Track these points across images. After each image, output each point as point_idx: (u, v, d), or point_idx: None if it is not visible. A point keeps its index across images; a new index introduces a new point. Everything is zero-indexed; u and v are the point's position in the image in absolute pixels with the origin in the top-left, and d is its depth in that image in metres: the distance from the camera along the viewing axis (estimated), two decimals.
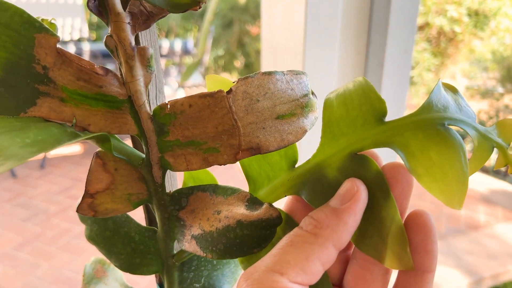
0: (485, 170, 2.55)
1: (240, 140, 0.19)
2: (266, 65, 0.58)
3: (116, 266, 0.24)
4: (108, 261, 0.30)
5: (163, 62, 2.70)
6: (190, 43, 2.77)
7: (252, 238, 0.19)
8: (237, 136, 0.19)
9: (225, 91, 0.18)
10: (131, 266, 0.24)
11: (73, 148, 2.74)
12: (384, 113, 0.19)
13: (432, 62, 3.03)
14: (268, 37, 0.56)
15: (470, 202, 2.20)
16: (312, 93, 0.21)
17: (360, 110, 0.20)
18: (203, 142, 0.19)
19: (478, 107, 3.00)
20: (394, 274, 0.21)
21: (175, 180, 0.25)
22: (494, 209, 2.14)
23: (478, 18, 2.87)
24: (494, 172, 2.52)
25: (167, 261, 0.24)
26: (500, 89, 2.98)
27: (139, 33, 0.21)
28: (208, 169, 0.22)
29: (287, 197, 0.22)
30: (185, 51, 2.72)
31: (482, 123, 2.76)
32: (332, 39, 0.49)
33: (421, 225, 0.19)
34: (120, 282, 0.29)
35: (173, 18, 4.00)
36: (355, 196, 0.18)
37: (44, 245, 1.78)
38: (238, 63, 3.88)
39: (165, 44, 2.65)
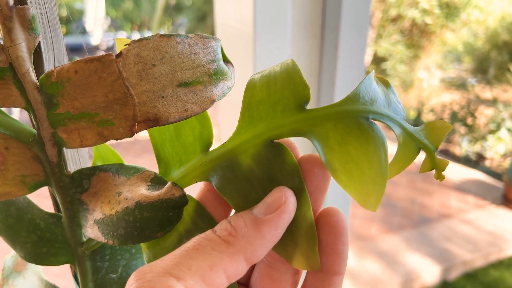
0: (457, 159, 2.59)
1: (135, 111, 0.17)
2: None
3: (21, 256, 0.22)
4: None
5: None
6: None
7: (154, 221, 0.18)
8: (131, 106, 0.17)
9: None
10: (37, 256, 0.22)
11: None
12: (306, 100, 0.18)
13: (405, 54, 3.06)
14: (221, 20, 0.54)
15: (442, 190, 2.23)
16: (226, 61, 0.19)
17: (282, 94, 0.18)
18: (94, 113, 0.17)
19: (451, 99, 3.05)
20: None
21: (86, 162, 0.23)
22: (465, 197, 2.18)
23: (449, 9, 2.91)
24: (465, 161, 2.57)
25: (77, 250, 0.22)
26: (473, 80, 3.03)
27: None
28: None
29: (200, 185, 0.20)
30: None
31: (454, 113, 2.81)
32: (283, 21, 0.47)
33: (333, 224, 0.17)
34: (38, 275, 0.26)
35: (146, 12, 3.92)
36: (281, 208, 0.16)
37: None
38: None
39: (136, 37, 2.59)
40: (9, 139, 0.19)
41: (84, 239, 0.21)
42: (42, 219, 0.21)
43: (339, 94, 0.51)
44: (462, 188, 2.26)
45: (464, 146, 2.62)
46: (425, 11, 2.92)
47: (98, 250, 0.22)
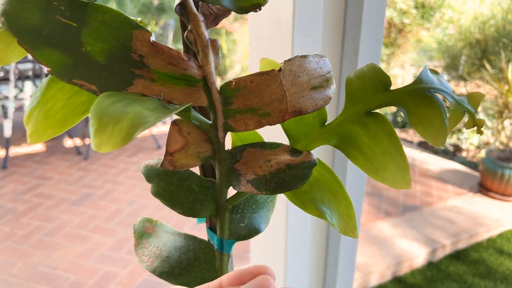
0: (436, 152, 2.75)
1: (287, 106, 0.26)
2: (254, 55, 0.65)
3: (179, 213, 0.30)
4: (155, 219, 0.36)
5: None
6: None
7: (297, 176, 0.27)
8: (285, 102, 0.26)
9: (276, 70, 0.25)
10: (193, 212, 0.30)
11: (36, 147, 2.68)
12: (389, 83, 0.27)
13: (384, 52, 3.20)
14: (254, 31, 0.63)
15: (424, 180, 2.38)
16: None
17: (372, 83, 0.27)
18: (259, 108, 0.26)
19: None
20: None
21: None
22: (445, 186, 2.33)
23: (425, 10, 3.07)
24: (444, 153, 2.73)
25: (222, 205, 0.30)
26: (445, 77, 3.20)
27: None
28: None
29: None
30: None
31: None
32: (316, 33, 0.56)
33: None
34: (171, 232, 0.35)
35: (129, 13, 3.95)
36: None
37: (16, 244, 1.76)
38: None
39: None
40: (191, 127, 0.27)
41: (227, 197, 0.30)
42: (198, 184, 0.30)
43: None
44: (442, 177, 2.41)
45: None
46: (402, 11, 3.07)
47: (235, 205, 0.31)
